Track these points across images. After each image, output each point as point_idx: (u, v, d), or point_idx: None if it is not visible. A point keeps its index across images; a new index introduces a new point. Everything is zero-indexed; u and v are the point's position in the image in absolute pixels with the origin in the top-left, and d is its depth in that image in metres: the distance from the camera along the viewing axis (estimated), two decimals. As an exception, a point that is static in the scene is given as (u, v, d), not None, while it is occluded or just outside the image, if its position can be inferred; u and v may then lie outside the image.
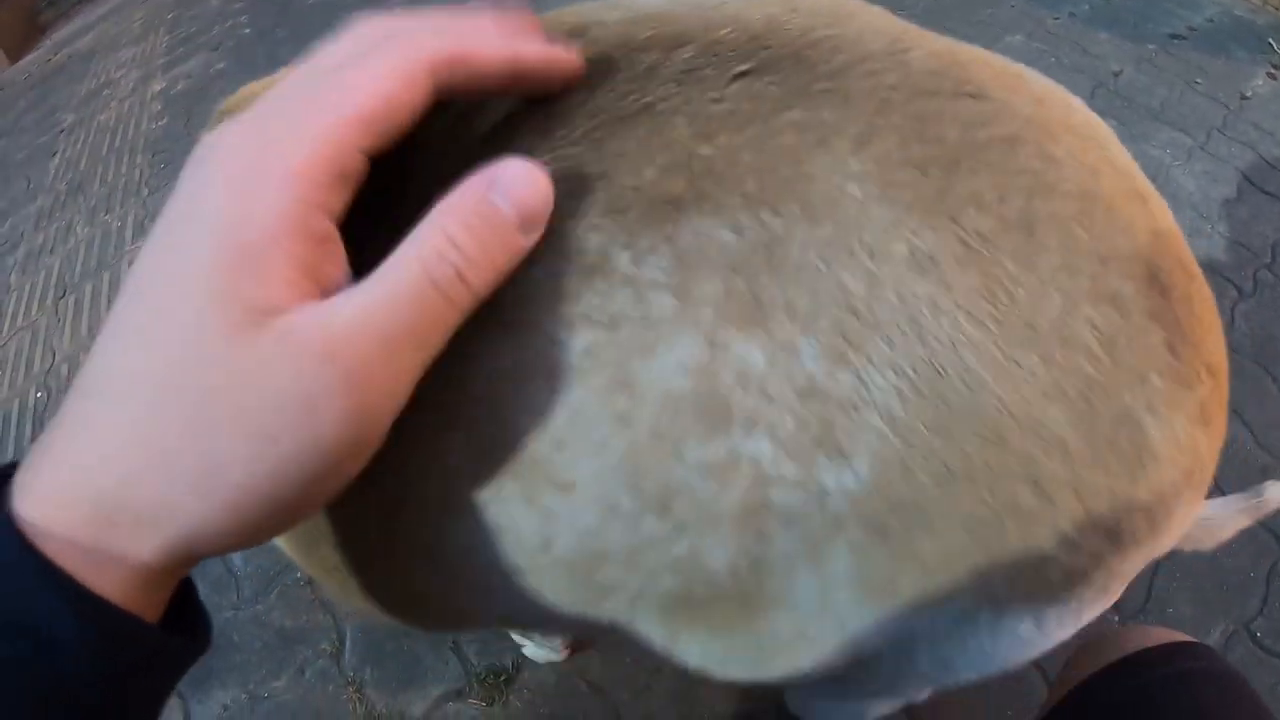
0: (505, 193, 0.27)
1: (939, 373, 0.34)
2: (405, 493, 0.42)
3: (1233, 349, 1.38)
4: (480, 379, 0.37)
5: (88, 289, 2.19)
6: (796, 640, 0.44)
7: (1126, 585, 0.45)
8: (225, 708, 1.34)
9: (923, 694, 0.66)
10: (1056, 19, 2.16)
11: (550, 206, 0.30)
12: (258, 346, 0.23)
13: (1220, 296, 1.47)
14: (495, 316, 0.34)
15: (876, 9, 0.42)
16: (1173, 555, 1.20)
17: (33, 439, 2.01)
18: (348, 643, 1.34)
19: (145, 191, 2.44)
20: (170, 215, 0.24)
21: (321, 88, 0.26)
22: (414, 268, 0.25)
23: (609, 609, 0.45)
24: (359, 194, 0.29)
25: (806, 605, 0.41)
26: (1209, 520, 0.56)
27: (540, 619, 0.48)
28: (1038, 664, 1.09)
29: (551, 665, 1.23)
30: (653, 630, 0.47)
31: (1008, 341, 0.33)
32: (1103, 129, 0.41)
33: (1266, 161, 1.70)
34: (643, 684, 1.19)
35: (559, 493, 0.37)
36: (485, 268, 0.27)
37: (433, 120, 0.34)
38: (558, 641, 1.16)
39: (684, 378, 0.34)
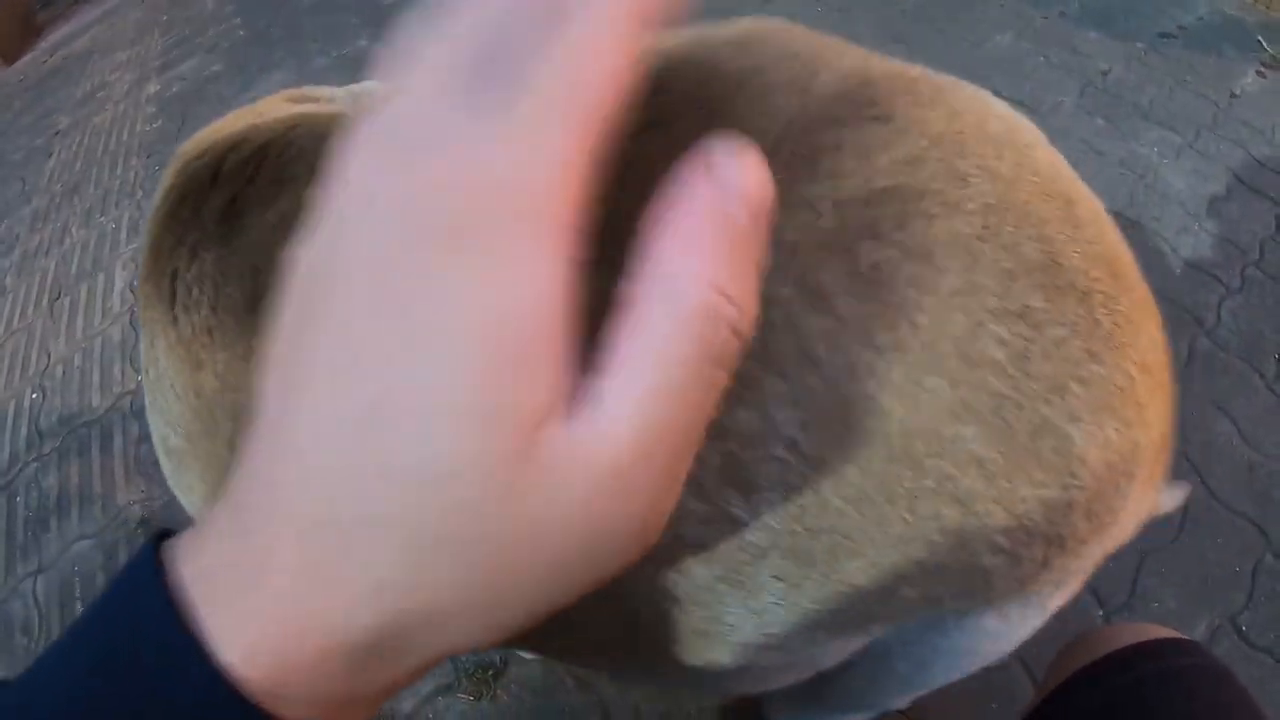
0: (739, 196, 0.19)
1: (839, 401, 0.34)
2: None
3: (1220, 345, 1.39)
4: None
5: (83, 291, 2.20)
6: (743, 670, 0.45)
7: (1089, 576, 0.46)
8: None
9: (904, 700, 0.66)
10: (1045, 18, 2.17)
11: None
12: (540, 475, 0.18)
13: (1208, 293, 1.47)
14: None
15: (796, 29, 0.42)
16: (1158, 549, 1.21)
17: (27, 440, 2.03)
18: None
19: (140, 194, 2.44)
20: (362, 294, 0.17)
21: (540, 77, 0.16)
22: (684, 340, 0.18)
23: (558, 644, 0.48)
24: None
25: (743, 633, 0.42)
26: None
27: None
28: (1022, 659, 1.09)
29: (539, 660, 1.24)
30: (613, 659, 0.49)
31: (909, 366, 0.34)
32: (1026, 134, 0.40)
33: (1255, 159, 1.71)
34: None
35: None
36: (751, 307, 0.20)
37: None
38: None
39: None
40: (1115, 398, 0.36)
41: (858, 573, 0.38)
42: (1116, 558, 1.19)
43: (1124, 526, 0.41)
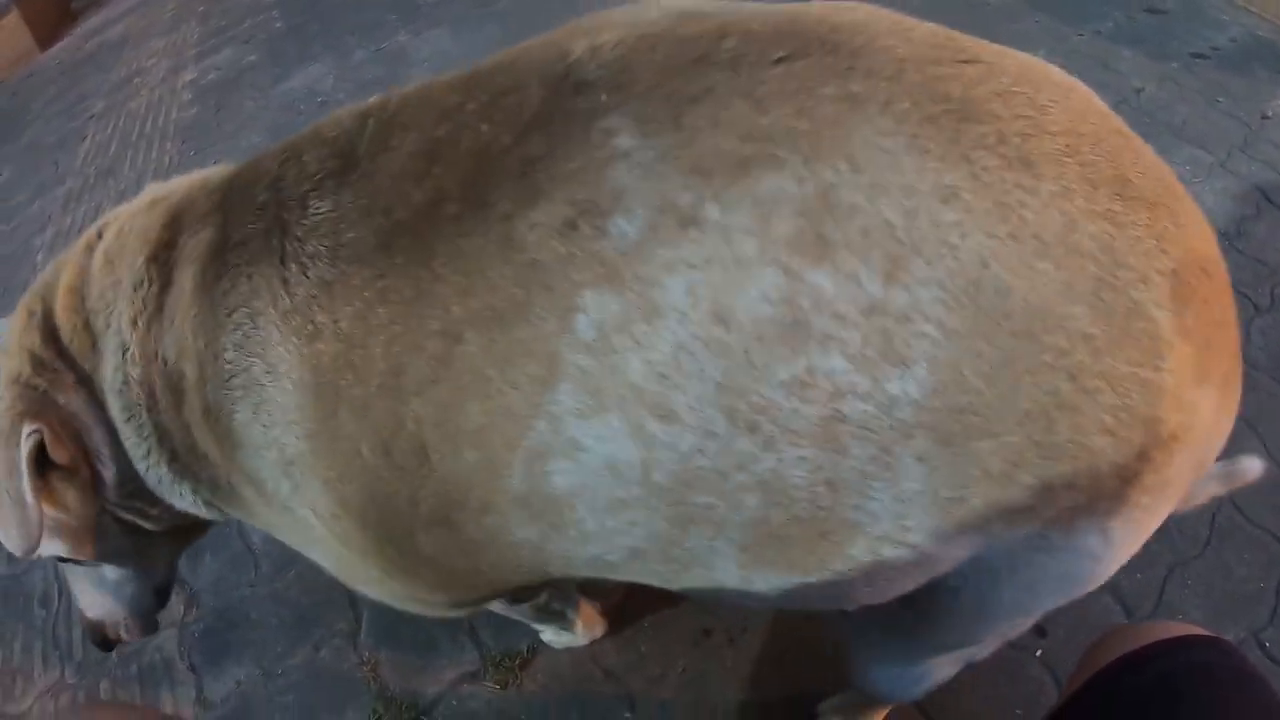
0: None
1: (973, 282, 0.41)
2: (512, 446, 0.49)
3: (1250, 364, 1.39)
4: (590, 329, 0.45)
5: (115, 270, 2.23)
6: (873, 566, 0.50)
7: (1169, 510, 0.51)
8: (239, 683, 1.36)
9: (988, 647, 0.69)
10: (1080, 35, 2.18)
11: None
12: None
13: (1238, 312, 1.47)
14: (599, 271, 0.45)
15: (871, 5, 0.50)
16: (1184, 562, 1.21)
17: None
18: (364, 623, 1.36)
19: (175, 178, 2.48)
20: None
21: None
22: None
23: (692, 544, 0.51)
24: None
25: (881, 525, 0.47)
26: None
27: (625, 559, 0.54)
28: (1047, 665, 1.10)
29: (567, 650, 1.24)
30: (729, 570, 0.53)
31: (1024, 252, 0.41)
32: (1081, 86, 0.49)
33: (1286, 181, 1.71)
34: (657, 673, 1.20)
35: (661, 421, 0.45)
36: None
37: (529, 89, 0.48)
38: (578, 626, 1.17)
39: (769, 305, 0.42)
40: (1188, 291, 0.43)
41: (988, 455, 0.43)
42: (1144, 569, 1.19)
43: (1197, 437, 0.47)
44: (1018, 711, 1.07)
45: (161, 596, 0.95)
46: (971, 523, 0.46)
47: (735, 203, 0.42)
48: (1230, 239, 1.60)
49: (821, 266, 0.41)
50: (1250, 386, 1.46)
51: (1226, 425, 0.50)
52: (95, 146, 2.88)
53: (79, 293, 0.69)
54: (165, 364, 0.63)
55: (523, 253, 0.47)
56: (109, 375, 0.67)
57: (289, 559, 1.48)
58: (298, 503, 0.61)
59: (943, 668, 0.75)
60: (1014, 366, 0.42)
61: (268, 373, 0.57)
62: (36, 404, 0.66)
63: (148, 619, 0.94)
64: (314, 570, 1.44)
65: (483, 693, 1.24)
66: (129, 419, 0.67)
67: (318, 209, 0.56)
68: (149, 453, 0.69)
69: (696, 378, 0.44)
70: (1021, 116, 0.43)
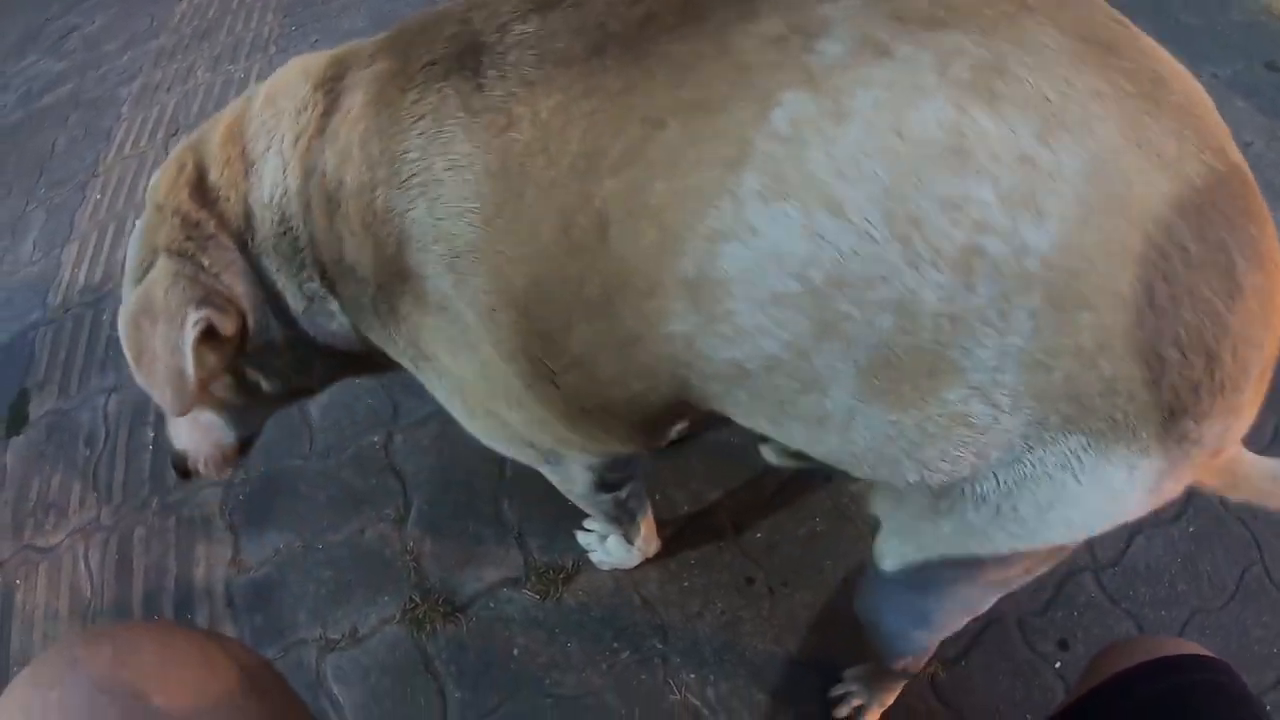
0: None
1: (1105, 165, 0.48)
2: (691, 225, 0.55)
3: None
4: (784, 122, 0.52)
5: (202, 133, 2.25)
6: (957, 419, 0.55)
7: (1190, 479, 0.57)
8: (277, 551, 1.42)
9: (988, 596, 0.74)
10: (1197, 74, 2.14)
11: None
12: None
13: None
14: (800, 77, 0.51)
15: None
16: (1206, 610, 1.23)
17: (123, 261, 2.07)
18: (413, 513, 1.41)
19: (273, 49, 2.48)
20: None
21: None
22: None
23: (821, 361, 0.57)
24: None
25: (979, 375, 0.53)
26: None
27: (760, 369, 0.60)
28: (1063, 677, 1.14)
29: (611, 573, 1.29)
30: (841, 398, 0.59)
31: (1146, 160, 0.48)
32: (1201, 90, 0.56)
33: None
34: (695, 610, 1.25)
35: (831, 215, 0.51)
36: None
37: None
38: (640, 536, 1.22)
39: (940, 130, 0.49)
40: (1261, 258, 0.50)
41: (1084, 328, 0.49)
42: (1169, 606, 1.21)
43: (1246, 397, 0.53)
44: (1028, 716, 1.12)
45: (246, 447, 1.00)
46: (1047, 398, 0.52)
47: (923, 45, 0.50)
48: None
49: (988, 110, 0.48)
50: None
51: (1250, 418, 0.55)
52: (193, 8, 2.87)
53: (237, 129, 0.74)
54: (324, 175, 0.67)
55: (734, 56, 0.53)
56: (265, 195, 0.71)
57: (344, 440, 1.53)
58: (457, 297, 0.65)
59: (947, 614, 0.80)
60: (1123, 250, 0.48)
61: (449, 167, 0.61)
62: (201, 288, 0.71)
63: (229, 462, 0.99)
64: (371, 454, 1.50)
65: (521, 599, 1.29)
66: (284, 233, 0.72)
67: (522, 30, 0.61)
68: (301, 268, 0.74)
69: (869, 179, 0.49)
70: (1153, 70, 0.51)
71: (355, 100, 0.66)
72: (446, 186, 0.61)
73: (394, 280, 0.68)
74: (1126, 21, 0.54)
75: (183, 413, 0.73)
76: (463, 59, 0.62)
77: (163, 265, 0.72)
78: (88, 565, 1.47)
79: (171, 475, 1.18)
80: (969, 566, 0.68)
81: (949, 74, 0.49)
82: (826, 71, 0.51)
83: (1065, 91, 0.48)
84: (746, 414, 0.67)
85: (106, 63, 2.73)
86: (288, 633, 1.32)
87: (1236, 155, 0.52)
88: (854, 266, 0.51)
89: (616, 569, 1.29)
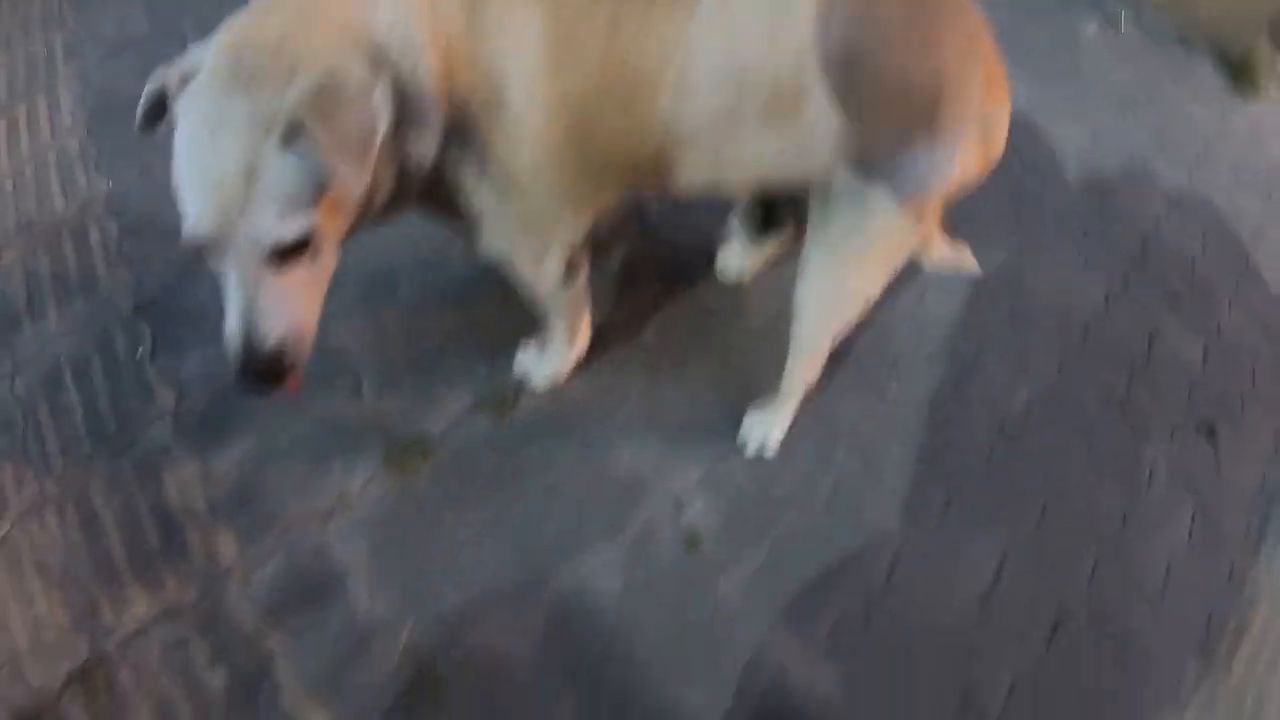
0: None
1: None
2: (669, 55, 0.96)
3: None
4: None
5: (21, 111, 2.13)
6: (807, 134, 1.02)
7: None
8: (245, 455, 1.46)
9: (875, 283, 1.20)
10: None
11: None
12: None
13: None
14: None
15: None
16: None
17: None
18: (364, 382, 1.53)
19: (69, 21, 2.34)
20: None
21: None
22: None
23: (740, 111, 1.00)
24: None
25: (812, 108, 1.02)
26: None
27: (707, 122, 1.00)
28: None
29: (548, 392, 1.57)
30: (746, 134, 1.04)
31: None
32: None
33: None
34: (615, 399, 1.59)
35: (741, 40, 0.96)
36: None
37: None
38: (579, 337, 1.53)
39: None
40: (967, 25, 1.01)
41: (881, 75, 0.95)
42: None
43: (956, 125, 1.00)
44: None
45: None
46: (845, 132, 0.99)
47: None
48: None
49: None
50: None
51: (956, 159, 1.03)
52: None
53: None
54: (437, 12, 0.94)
55: None
56: (393, 38, 0.92)
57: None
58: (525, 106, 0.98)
59: (848, 298, 1.22)
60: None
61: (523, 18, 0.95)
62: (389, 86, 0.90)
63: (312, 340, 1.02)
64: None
65: (480, 428, 1.49)
66: (410, 68, 0.93)
67: None
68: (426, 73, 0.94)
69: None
70: None
71: None
72: (525, 31, 0.94)
73: (484, 86, 0.95)
74: None
75: (363, 177, 0.86)
76: None
77: (342, 68, 0.86)
78: (51, 537, 1.41)
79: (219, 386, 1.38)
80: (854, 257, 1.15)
81: None
82: None
83: None
84: (692, 171, 1.06)
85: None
86: (281, 519, 1.39)
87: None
88: (754, 64, 0.94)
89: (554, 382, 1.57)
